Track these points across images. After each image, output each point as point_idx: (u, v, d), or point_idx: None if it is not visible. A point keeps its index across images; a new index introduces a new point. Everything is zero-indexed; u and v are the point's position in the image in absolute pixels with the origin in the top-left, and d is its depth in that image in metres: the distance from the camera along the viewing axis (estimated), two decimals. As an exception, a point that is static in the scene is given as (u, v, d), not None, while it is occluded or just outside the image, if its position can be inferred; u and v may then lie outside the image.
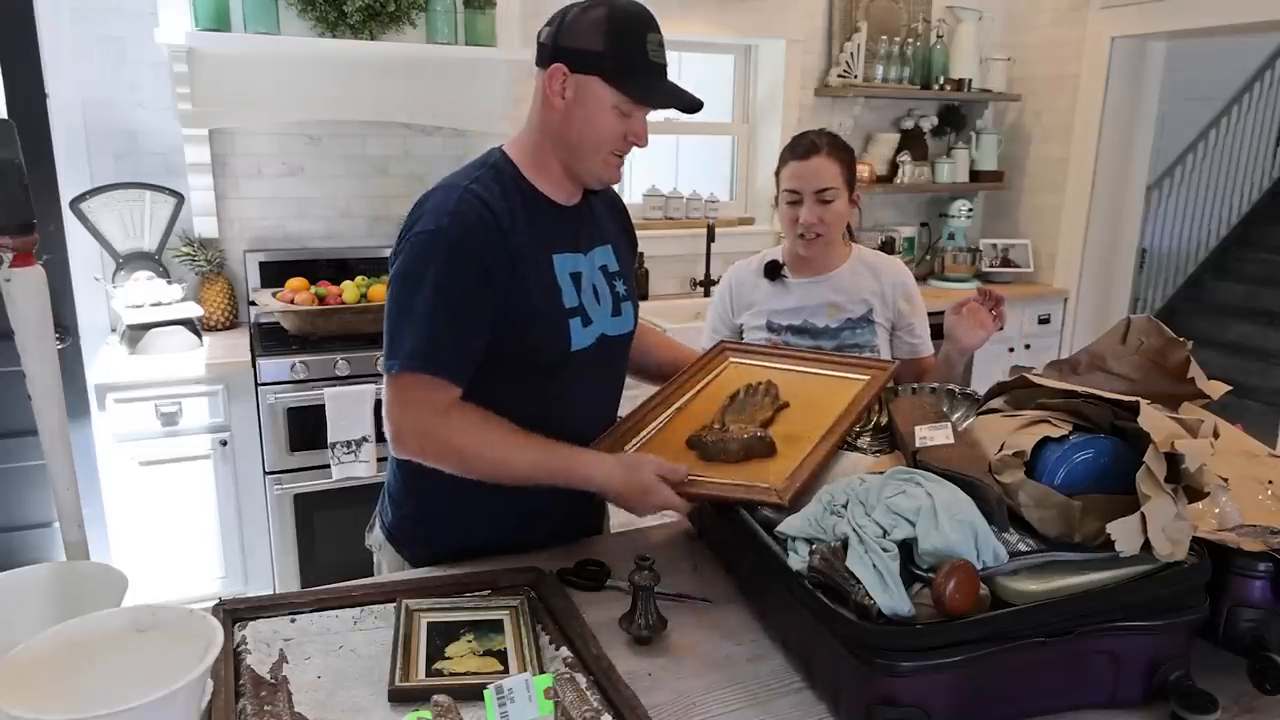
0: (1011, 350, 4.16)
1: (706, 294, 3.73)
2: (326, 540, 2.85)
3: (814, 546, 1.08)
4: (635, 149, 1.40)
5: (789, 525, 1.14)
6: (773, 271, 1.98)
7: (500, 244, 1.31)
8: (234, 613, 1.19)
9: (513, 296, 1.33)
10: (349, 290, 2.92)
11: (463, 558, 1.41)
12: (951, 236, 4.32)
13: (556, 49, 1.32)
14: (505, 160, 1.40)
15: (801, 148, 1.88)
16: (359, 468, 2.77)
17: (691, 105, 1.37)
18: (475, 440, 1.32)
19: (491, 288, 1.31)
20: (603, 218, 1.52)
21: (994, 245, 4.38)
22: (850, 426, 1.42)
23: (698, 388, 1.61)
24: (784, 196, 1.91)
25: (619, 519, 1.57)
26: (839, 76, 4.01)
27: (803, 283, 1.96)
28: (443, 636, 1.16)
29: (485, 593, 1.28)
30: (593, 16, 1.30)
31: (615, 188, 1.57)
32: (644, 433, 1.49)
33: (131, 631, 0.96)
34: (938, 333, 2.03)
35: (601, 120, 1.33)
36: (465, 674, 1.09)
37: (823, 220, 1.86)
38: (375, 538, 1.56)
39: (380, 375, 1.37)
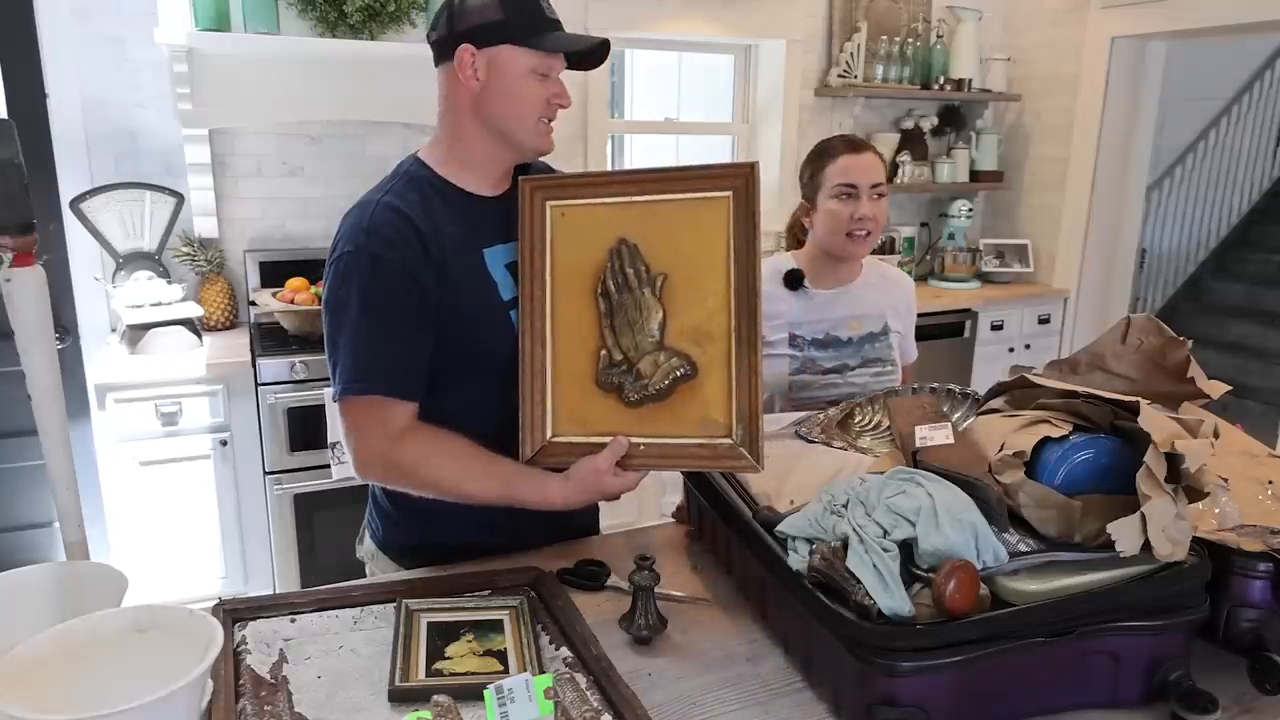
0: (1011, 350, 4.16)
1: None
2: (326, 540, 2.85)
3: (814, 546, 1.08)
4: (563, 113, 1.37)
5: (789, 525, 1.14)
6: (794, 281, 1.87)
7: (421, 250, 1.30)
8: (234, 613, 1.19)
9: (446, 300, 1.32)
10: (349, 290, 2.92)
11: (461, 558, 1.41)
12: (951, 236, 4.32)
13: (456, 35, 1.31)
14: (419, 165, 1.39)
15: (851, 143, 1.83)
16: (356, 473, 2.77)
17: (599, 47, 1.35)
18: (433, 469, 1.31)
19: (422, 295, 1.30)
20: None
21: (994, 245, 4.39)
22: (754, 299, 1.26)
23: (546, 272, 1.34)
24: (833, 191, 1.81)
25: (616, 519, 1.58)
26: (839, 76, 4.01)
27: (825, 294, 1.88)
28: (443, 636, 1.16)
29: (485, 593, 1.27)
30: None
31: (560, 168, 1.55)
32: (546, 404, 1.33)
33: (131, 631, 0.96)
34: (923, 334, 2.05)
35: (521, 88, 1.32)
36: (465, 674, 1.09)
37: (876, 217, 1.80)
38: (366, 549, 1.55)
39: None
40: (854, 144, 1.84)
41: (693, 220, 1.30)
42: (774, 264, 1.91)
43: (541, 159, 1.46)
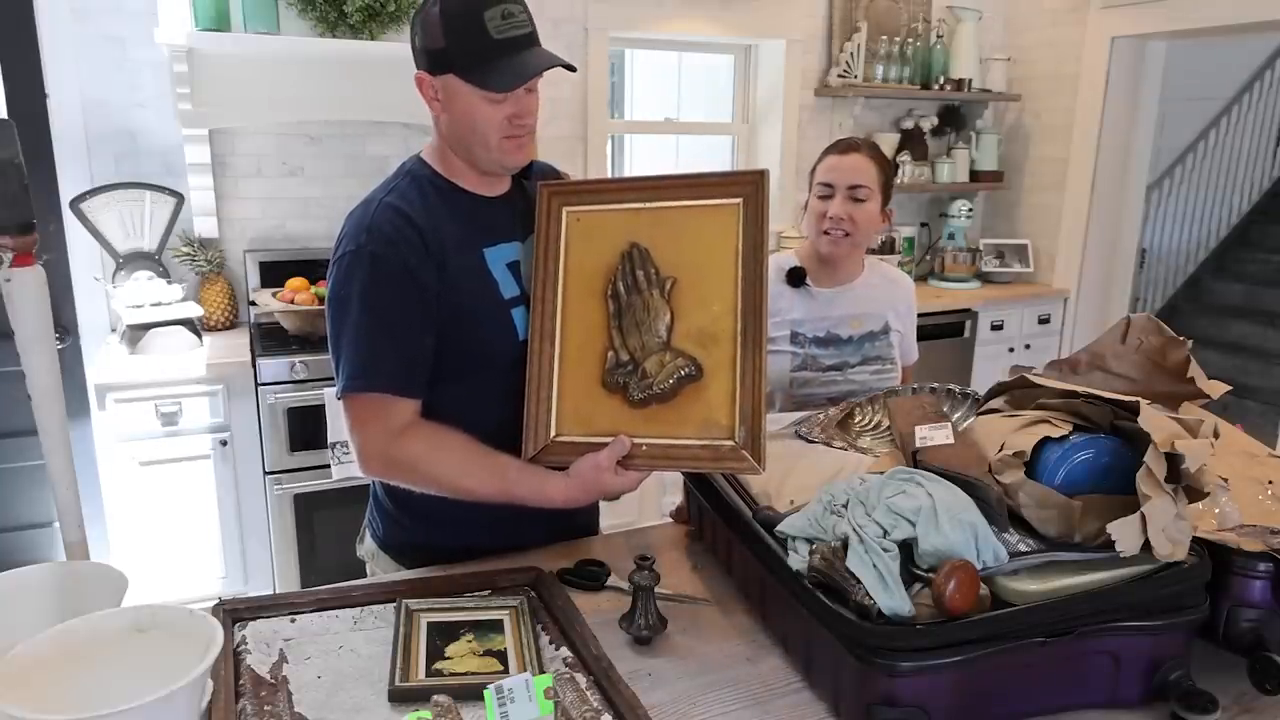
0: (1011, 350, 4.16)
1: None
2: (326, 540, 2.85)
3: (814, 546, 1.08)
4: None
5: (789, 525, 1.14)
6: (796, 279, 1.88)
7: (421, 249, 1.30)
8: (234, 613, 1.19)
9: (447, 297, 1.32)
10: (349, 290, 2.92)
11: (461, 558, 1.41)
12: (951, 236, 4.32)
13: (418, 55, 1.33)
14: (421, 165, 1.40)
15: (841, 144, 1.85)
16: (359, 468, 2.77)
17: (558, 66, 1.30)
18: (433, 464, 1.32)
19: (423, 293, 1.31)
20: None
21: (994, 245, 4.39)
22: (761, 303, 1.27)
23: (559, 275, 1.36)
24: (815, 191, 1.85)
25: (616, 519, 1.57)
26: (839, 76, 4.00)
27: (826, 293, 1.89)
28: (443, 636, 1.16)
29: (485, 593, 1.28)
30: (432, 14, 1.28)
31: (560, 168, 1.55)
32: (552, 403, 1.33)
33: (131, 631, 0.96)
34: (923, 334, 2.05)
35: (475, 114, 1.30)
36: (465, 674, 1.09)
37: (852, 218, 1.80)
38: (367, 548, 1.55)
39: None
40: (845, 145, 1.85)
41: (703, 226, 1.32)
42: (777, 262, 1.92)
43: (544, 161, 1.46)
